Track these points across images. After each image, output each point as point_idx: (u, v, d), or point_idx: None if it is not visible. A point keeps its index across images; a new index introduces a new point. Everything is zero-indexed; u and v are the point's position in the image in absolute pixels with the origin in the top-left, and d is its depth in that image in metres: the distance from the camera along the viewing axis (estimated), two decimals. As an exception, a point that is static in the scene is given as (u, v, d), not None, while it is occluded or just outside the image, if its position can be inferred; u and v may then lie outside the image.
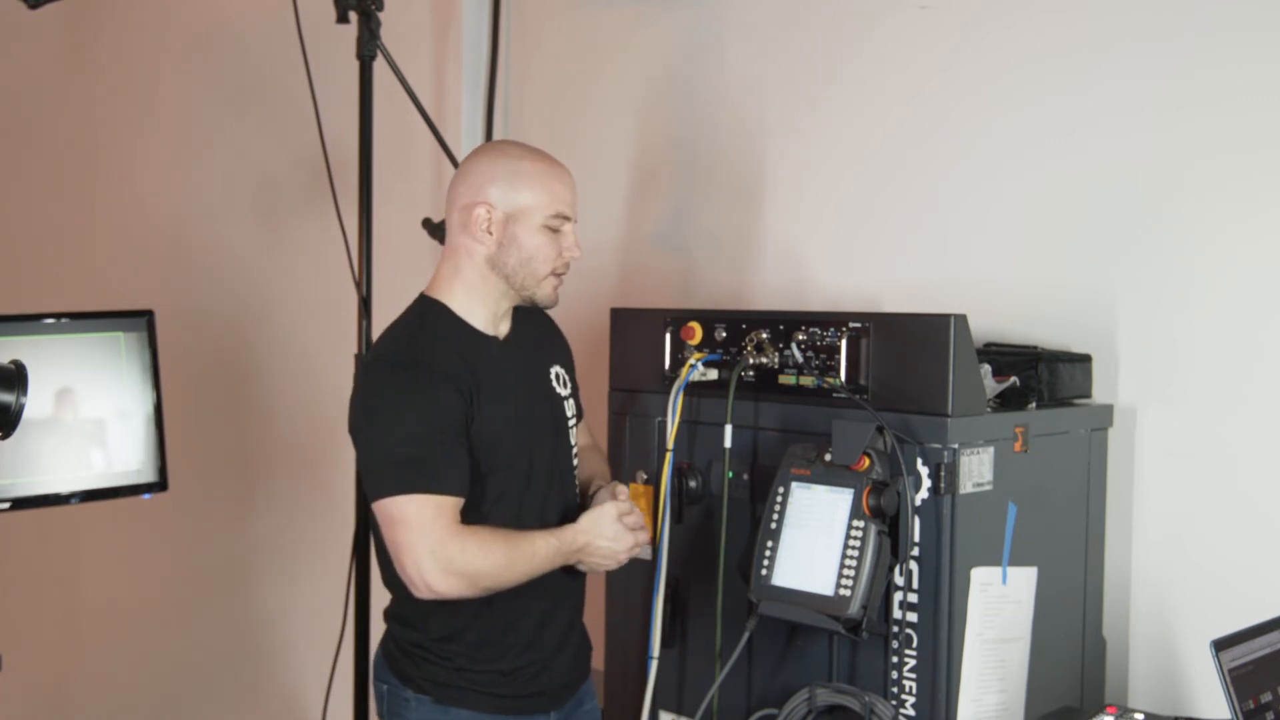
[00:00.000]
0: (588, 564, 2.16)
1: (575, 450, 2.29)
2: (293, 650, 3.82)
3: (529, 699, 2.19)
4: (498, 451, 2.11)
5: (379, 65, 2.84)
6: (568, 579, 2.20)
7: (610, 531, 2.12)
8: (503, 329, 2.21)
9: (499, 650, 2.15)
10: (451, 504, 2.01)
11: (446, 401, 2.04)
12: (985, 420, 2.10)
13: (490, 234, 2.11)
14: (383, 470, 2.02)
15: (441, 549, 1.98)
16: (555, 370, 2.28)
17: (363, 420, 2.08)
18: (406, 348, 2.11)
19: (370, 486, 2.05)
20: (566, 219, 2.14)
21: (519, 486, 2.14)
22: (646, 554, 2.23)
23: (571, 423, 2.28)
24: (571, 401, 2.29)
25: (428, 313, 2.16)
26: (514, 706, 2.18)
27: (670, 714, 2.39)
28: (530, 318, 2.27)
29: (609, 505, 2.14)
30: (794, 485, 2.07)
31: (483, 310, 2.17)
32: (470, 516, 2.06)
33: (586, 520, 2.12)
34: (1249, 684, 1.77)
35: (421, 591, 2.01)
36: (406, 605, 2.15)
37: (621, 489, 2.22)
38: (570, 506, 2.23)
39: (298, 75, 2.96)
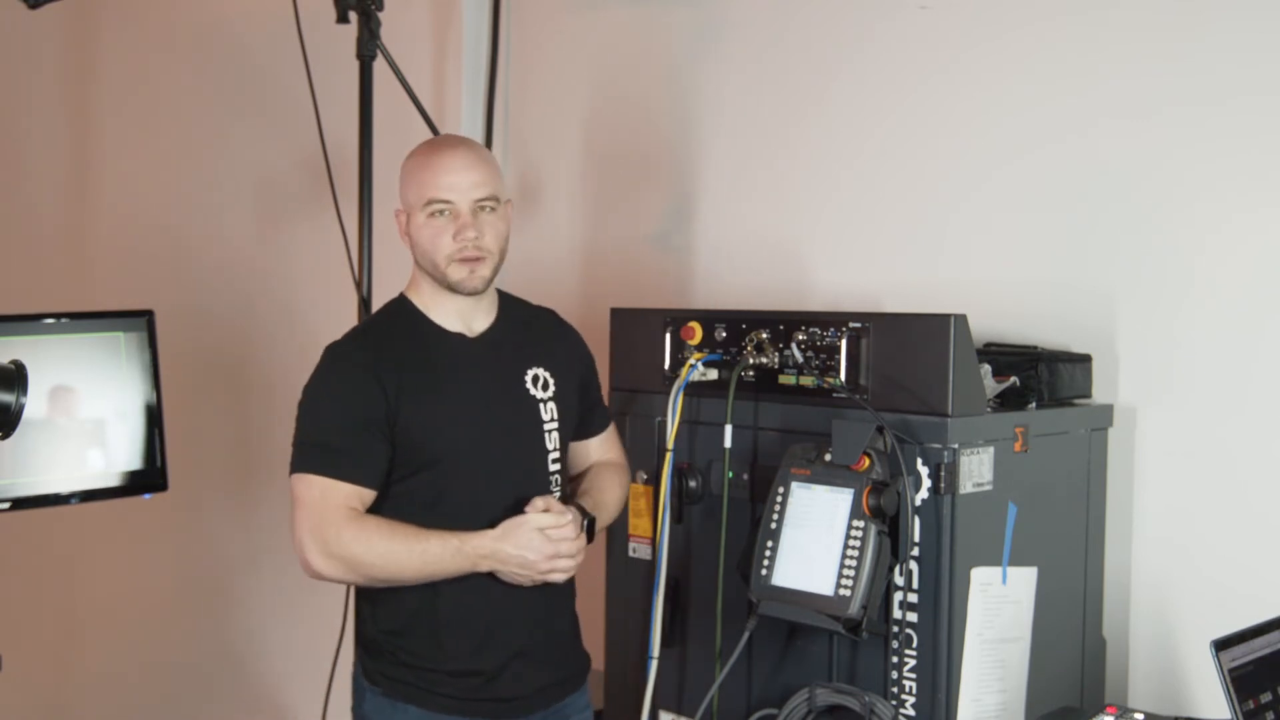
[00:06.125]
0: (503, 574, 2.09)
1: (553, 455, 2.23)
2: (293, 650, 3.81)
3: (486, 704, 2.15)
4: (434, 446, 2.10)
5: (379, 65, 2.84)
6: (531, 592, 2.13)
7: (524, 540, 2.06)
8: (477, 326, 2.21)
9: (445, 652, 2.13)
10: (345, 490, 2.05)
11: (365, 394, 2.08)
12: (985, 420, 2.09)
13: (408, 236, 2.18)
14: (294, 449, 2.11)
15: (320, 530, 2.03)
16: (535, 372, 2.23)
17: (299, 404, 2.15)
18: (349, 340, 2.18)
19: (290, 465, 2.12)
20: (445, 203, 2.12)
21: (463, 483, 2.12)
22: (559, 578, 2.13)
23: (550, 427, 2.23)
24: (553, 405, 2.24)
25: (391, 309, 2.22)
26: (467, 709, 2.14)
27: (670, 714, 2.39)
28: (528, 319, 2.27)
29: (530, 515, 2.08)
30: (794, 485, 2.07)
31: (443, 307, 2.18)
32: (408, 509, 2.07)
33: (502, 527, 2.07)
34: (1249, 684, 1.77)
35: (305, 569, 2.07)
36: (362, 598, 2.19)
37: (549, 503, 2.11)
38: None
39: (298, 75, 2.95)
